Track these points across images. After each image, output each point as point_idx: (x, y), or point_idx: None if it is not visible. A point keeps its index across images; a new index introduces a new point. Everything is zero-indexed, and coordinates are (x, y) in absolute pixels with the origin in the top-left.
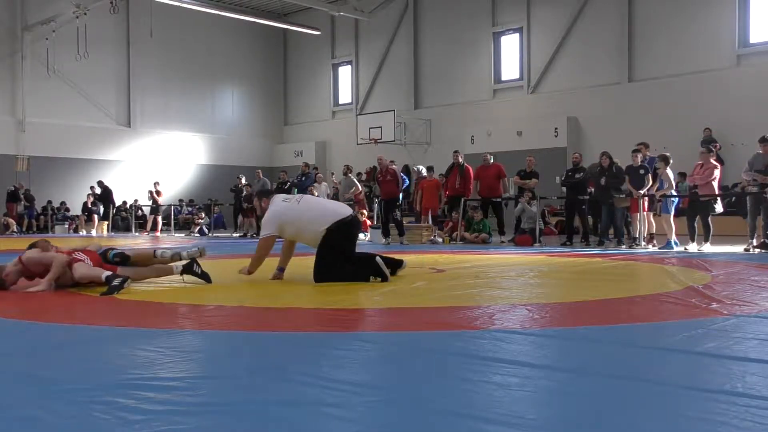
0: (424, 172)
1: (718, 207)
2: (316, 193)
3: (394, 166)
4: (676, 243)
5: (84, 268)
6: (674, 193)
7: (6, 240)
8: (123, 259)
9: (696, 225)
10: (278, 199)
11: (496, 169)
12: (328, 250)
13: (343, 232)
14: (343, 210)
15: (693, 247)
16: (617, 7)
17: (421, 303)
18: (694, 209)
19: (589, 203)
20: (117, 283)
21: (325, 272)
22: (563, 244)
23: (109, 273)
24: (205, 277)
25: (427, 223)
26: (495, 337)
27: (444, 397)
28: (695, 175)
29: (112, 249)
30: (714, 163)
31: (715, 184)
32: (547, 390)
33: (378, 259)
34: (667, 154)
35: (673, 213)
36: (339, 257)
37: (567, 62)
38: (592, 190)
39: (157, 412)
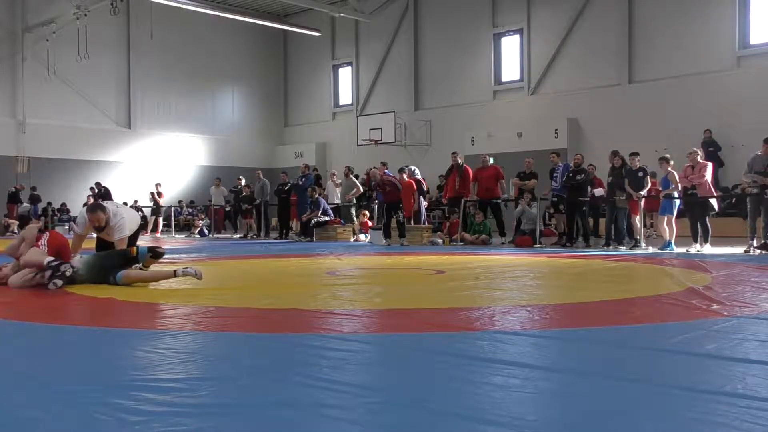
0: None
1: (714, 205)
2: (325, 193)
3: (390, 176)
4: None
5: (29, 254)
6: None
7: (6, 241)
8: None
9: (697, 226)
10: (112, 206)
11: (494, 171)
12: (128, 243)
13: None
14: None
15: (694, 248)
16: (617, 9)
17: (421, 304)
18: (692, 211)
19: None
20: (58, 270)
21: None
22: (563, 245)
23: (50, 258)
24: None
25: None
26: (495, 338)
27: (444, 398)
28: (689, 176)
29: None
30: (704, 161)
31: (709, 180)
32: (548, 391)
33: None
34: (668, 155)
35: (675, 214)
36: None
37: (567, 64)
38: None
39: (157, 413)
